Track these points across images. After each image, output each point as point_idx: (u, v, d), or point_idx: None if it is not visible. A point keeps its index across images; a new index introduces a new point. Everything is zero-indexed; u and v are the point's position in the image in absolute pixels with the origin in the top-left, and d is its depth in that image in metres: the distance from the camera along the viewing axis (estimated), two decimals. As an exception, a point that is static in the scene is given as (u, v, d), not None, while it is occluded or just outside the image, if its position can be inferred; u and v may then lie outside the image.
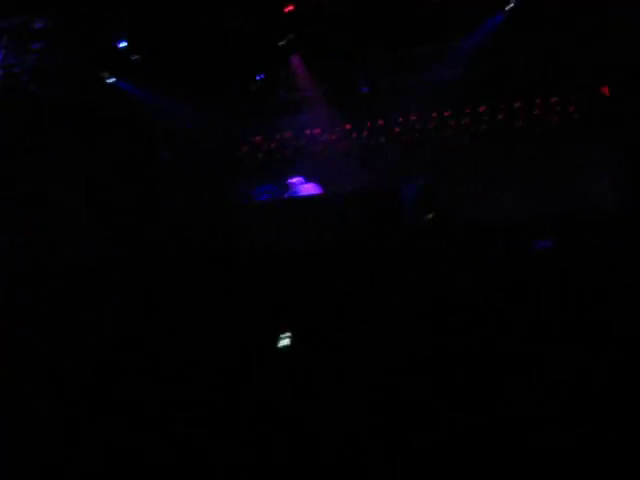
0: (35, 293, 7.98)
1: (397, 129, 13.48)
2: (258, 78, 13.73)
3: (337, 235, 10.30)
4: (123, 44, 11.39)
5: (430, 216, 10.48)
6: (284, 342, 5.35)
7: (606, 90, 12.05)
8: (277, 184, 12.83)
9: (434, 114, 13.32)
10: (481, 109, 12.93)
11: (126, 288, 8.01)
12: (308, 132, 13.97)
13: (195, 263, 9.53)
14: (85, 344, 5.78)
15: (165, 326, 6.12)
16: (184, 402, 4.47)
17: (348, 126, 13.80)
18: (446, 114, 13.21)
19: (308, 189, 11.73)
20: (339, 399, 4.19)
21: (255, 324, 5.99)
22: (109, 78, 12.35)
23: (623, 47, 11.22)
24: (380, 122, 13.64)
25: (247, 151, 14.34)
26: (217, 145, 14.25)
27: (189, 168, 14.00)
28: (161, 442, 3.99)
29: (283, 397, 4.42)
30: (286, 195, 11.97)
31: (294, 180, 11.96)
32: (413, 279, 7.14)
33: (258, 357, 5.13)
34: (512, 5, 11.20)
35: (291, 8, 11.17)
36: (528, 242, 8.52)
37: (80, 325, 6.33)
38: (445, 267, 7.57)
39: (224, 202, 13.44)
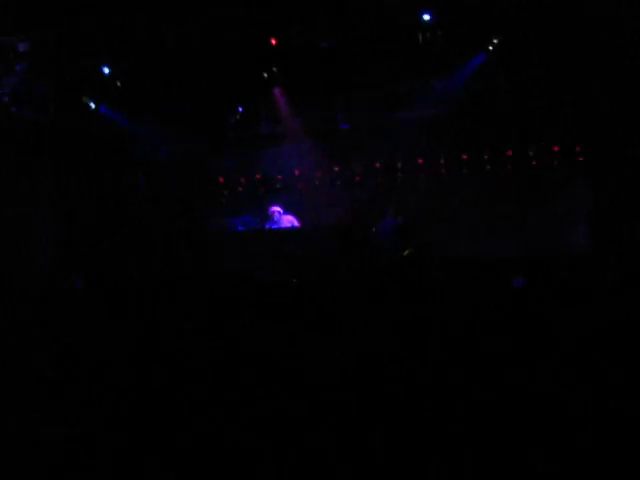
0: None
1: (377, 164, 13.52)
2: (240, 110, 13.80)
3: (314, 267, 10.32)
4: (106, 70, 11.41)
5: (407, 252, 10.51)
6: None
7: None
8: (253, 216, 12.86)
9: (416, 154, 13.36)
10: (463, 156, 13.00)
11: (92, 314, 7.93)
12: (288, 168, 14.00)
13: (165, 289, 9.47)
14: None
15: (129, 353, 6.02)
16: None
17: (327, 162, 13.81)
18: (420, 161, 13.27)
19: (289, 220, 11.77)
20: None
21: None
22: (90, 103, 12.35)
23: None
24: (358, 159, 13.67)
25: (224, 182, 14.33)
26: (194, 175, 14.24)
27: (165, 196, 13.98)
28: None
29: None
30: (266, 224, 11.95)
31: (275, 209, 11.95)
32: (388, 311, 7.14)
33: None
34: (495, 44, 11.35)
35: (275, 41, 11.28)
36: (505, 278, 8.64)
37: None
38: (423, 300, 7.61)
39: (199, 230, 13.41)
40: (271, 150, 14.03)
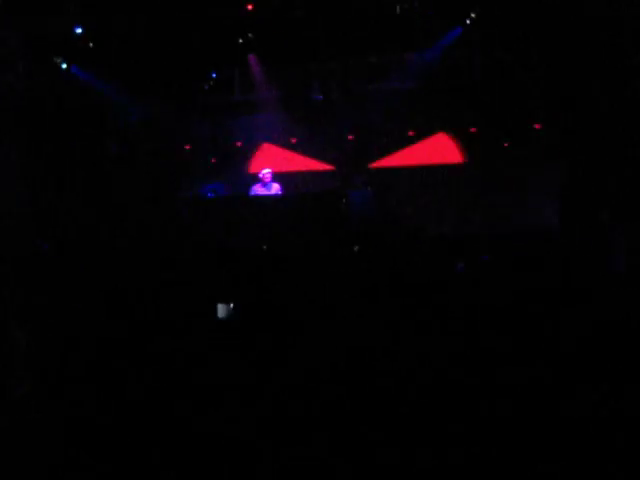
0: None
1: (350, 137, 13.49)
2: (213, 76, 13.66)
3: (285, 236, 10.29)
4: (79, 30, 11.21)
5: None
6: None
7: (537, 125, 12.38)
8: (223, 182, 12.76)
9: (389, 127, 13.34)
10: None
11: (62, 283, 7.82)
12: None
13: (139, 258, 9.38)
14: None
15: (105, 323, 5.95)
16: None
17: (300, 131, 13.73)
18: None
19: (276, 188, 11.53)
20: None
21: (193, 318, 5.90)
22: (62, 63, 12.12)
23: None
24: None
25: (195, 148, 14.21)
26: (166, 142, 14.09)
27: (137, 162, 13.81)
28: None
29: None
30: (253, 186, 11.66)
31: (267, 172, 11.58)
32: (354, 281, 7.15)
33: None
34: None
35: (251, 7, 11.18)
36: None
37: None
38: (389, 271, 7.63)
39: (172, 198, 13.28)
40: (244, 118, 13.89)
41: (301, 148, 13.72)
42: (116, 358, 4.85)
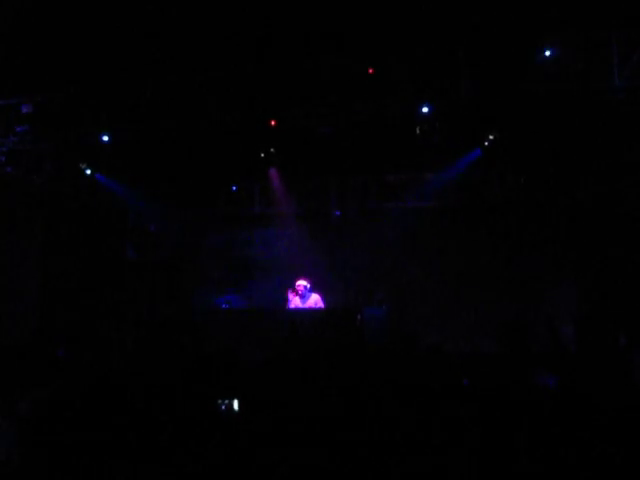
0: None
1: (368, 253, 13.53)
2: (233, 189, 13.88)
3: (301, 349, 10.15)
4: (105, 138, 11.48)
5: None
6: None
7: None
8: (237, 294, 12.73)
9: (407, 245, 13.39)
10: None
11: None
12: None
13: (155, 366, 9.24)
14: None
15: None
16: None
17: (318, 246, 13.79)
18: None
19: (316, 299, 11.41)
20: None
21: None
22: (86, 169, 12.39)
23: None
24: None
25: (212, 259, 14.26)
26: (184, 250, 14.18)
27: (154, 269, 13.87)
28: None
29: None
30: (289, 300, 11.56)
31: (302, 283, 11.43)
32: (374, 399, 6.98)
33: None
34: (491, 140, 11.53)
35: (274, 123, 11.43)
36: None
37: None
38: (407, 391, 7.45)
39: (189, 307, 13.24)
40: (262, 231, 14.01)
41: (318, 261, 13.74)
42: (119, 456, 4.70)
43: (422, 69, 10.86)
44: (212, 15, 10.65)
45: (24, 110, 11.17)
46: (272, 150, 12.20)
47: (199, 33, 10.72)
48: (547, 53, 10.58)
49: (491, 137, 11.56)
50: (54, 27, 10.36)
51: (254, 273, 13.79)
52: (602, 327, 11.06)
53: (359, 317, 11.30)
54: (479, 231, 12.84)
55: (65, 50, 10.45)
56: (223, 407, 5.39)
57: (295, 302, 11.45)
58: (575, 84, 10.69)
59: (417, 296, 12.93)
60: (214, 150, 12.33)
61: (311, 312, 11.45)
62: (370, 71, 11.12)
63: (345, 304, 12.32)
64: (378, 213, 13.47)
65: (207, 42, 10.85)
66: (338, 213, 13.79)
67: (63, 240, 12.84)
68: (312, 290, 11.43)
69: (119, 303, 13.09)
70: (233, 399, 5.46)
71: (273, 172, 13.11)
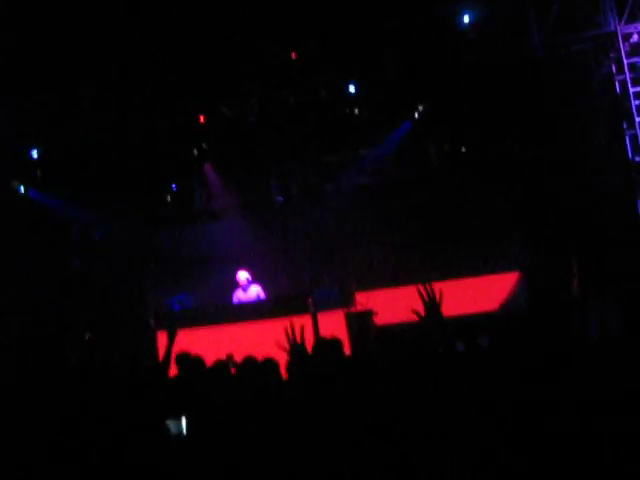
0: None
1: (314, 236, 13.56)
2: (173, 187, 13.79)
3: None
4: (34, 154, 11.33)
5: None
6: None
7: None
8: (189, 293, 12.68)
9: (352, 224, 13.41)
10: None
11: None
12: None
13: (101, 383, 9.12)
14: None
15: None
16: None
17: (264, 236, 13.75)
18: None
19: (257, 290, 11.34)
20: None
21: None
22: (19, 187, 12.21)
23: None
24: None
25: (159, 260, 14.16)
26: (129, 254, 14.06)
27: (101, 276, 13.74)
28: None
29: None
30: (234, 292, 11.46)
31: (243, 275, 11.33)
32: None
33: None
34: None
35: (203, 119, 11.40)
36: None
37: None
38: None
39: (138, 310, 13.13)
40: (206, 227, 13.95)
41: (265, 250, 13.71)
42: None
43: (344, 49, 10.89)
44: (132, 14, 10.51)
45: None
46: (204, 146, 12.14)
47: (118, 39, 10.57)
48: (466, 20, 10.70)
49: (420, 108, 11.65)
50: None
51: (203, 270, 13.71)
52: (553, 278, 11.24)
53: (310, 300, 11.31)
54: (421, 202, 12.90)
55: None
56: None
57: (238, 295, 11.42)
58: (497, 46, 10.85)
59: (365, 277, 12.96)
60: (148, 152, 12.25)
61: (258, 305, 11.35)
62: (293, 56, 11.14)
63: (292, 291, 12.30)
64: (320, 195, 13.48)
65: (128, 47, 10.71)
66: (280, 199, 13.77)
67: (5, 263, 12.61)
68: (253, 281, 11.41)
69: (67, 314, 12.94)
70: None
71: (208, 167, 13.03)
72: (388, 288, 12.39)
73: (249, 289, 11.31)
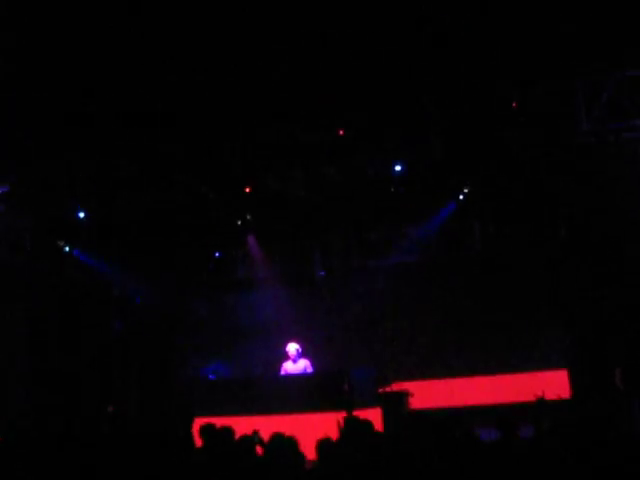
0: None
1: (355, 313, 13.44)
2: (217, 255, 13.90)
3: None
4: (81, 215, 11.52)
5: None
6: None
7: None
8: (224, 363, 12.62)
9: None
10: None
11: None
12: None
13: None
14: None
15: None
16: None
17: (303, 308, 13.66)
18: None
19: (305, 364, 11.18)
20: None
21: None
22: (64, 246, 12.39)
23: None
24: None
25: (198, 327, 14.16)
26: (169, 320, 14.10)
27: (139, 343, 13.77)
28: None
29: None
30: (283, 363, 11.31)
31: (294, 347, 11.10)
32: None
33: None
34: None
35: (249, 190, 11.52)
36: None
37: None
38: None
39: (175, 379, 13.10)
40: (246, 296, 13.95)
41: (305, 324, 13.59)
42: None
43: (392, 128, 10.97)
44: (187, 86, 10.76)
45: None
46: (248, 217, 12.25)
47: (172, 107, 10.80)
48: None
49: (465, 190, 11.63)
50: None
51: (240, 339, 13.65)
52: (597, 371, 10.92)
53: (346, 379, 11.12)
54: (462, 281, 12.77)
55: (34, 131, 10.52)
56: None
57: (286, 367, 11.26)
58: (544, 130, 10.82)
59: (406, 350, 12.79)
60: (193, 220, 12.39)
61: (300, 378, 11.20)
62: (341, 132, 11.24)
63: (332, 366, 12.12)
64: (362, 270, 13.43)
65: (181, 116, 10.94)
66: (322, 273, 13.75)
67: (48, 319, 12.73)
68: (302, 355, 11.27)
69: (109, 377, 12.98)
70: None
71: (251, 239, 13.13)
72: (423, 380, 12.25)
73: (298, 361, 11.18)
